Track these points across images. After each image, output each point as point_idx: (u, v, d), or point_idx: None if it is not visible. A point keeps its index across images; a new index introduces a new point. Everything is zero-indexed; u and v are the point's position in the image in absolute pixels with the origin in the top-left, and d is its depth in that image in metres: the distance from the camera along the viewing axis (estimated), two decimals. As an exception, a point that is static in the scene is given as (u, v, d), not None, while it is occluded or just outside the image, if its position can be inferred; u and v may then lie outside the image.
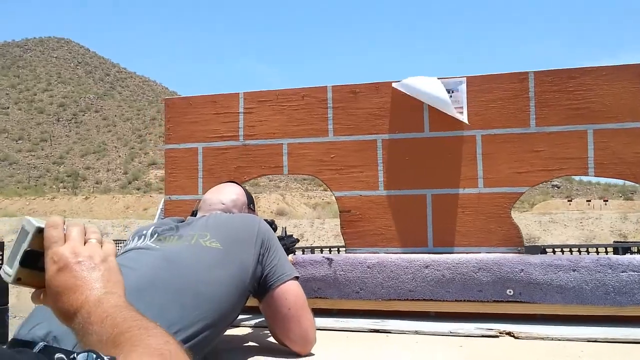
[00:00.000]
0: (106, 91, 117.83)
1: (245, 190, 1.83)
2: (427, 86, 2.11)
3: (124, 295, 0.79)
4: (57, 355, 0.55)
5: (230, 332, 1.92)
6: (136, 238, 1.53)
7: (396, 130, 2.21)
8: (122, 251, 1.51)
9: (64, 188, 69.78)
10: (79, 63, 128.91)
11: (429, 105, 2.16)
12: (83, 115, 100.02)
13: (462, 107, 2.12)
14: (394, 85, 2.19)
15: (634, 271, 1.90)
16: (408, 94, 2.15)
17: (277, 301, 1.49)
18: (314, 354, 1.55)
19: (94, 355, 0.55)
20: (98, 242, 0.83)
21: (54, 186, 70.74)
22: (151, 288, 1.27)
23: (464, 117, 2.09)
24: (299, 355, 1.52)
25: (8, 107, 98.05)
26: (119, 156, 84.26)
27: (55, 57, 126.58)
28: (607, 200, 45.26)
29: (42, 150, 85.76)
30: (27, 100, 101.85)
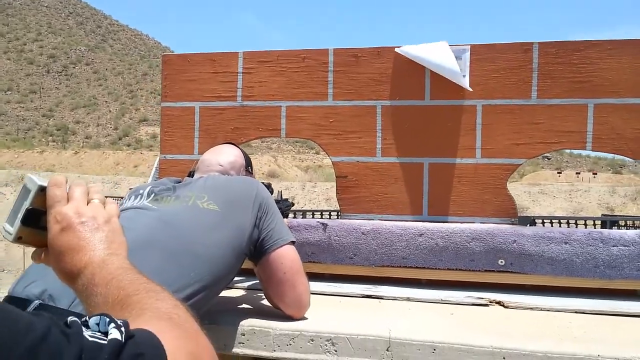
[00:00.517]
0: (97, 44, 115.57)
1: (244, 152, 1.81)
2: (435, 54, 2.07)
3: (127, 257, 0.79)
4: (70, 318, 0.55)
5: (224, 293, 1.94)
6: (132, 197, 1.52)
7: (396, 96, 2.18)
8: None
9: (53, 142, 69.11)
10: (70, 13, 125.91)
11: (431, 72, 2.14)
12: (73, 67, 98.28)
13: (464, 76, 2.10)
14: (397, 50, 2.16)
15: (624, 246, 1.92)
16: (413, 60, 2.12)
17: (273, 265, 1.50)
18: (307, 318, 1.57)
19: (107, 319, 0.55)
20: (101, 203, 0.82)
21: (43, 139, 70.02)
22: (148, 248, 1.26)
23: (466, 85, 2.07)
24: (293, 319, 1.54)
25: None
26: (110, 111, 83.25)
27: (46, 6, 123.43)
28: (596, 174, 45.69)
29: (32, 102, 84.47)
30: (16, 50, 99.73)
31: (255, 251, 1.52)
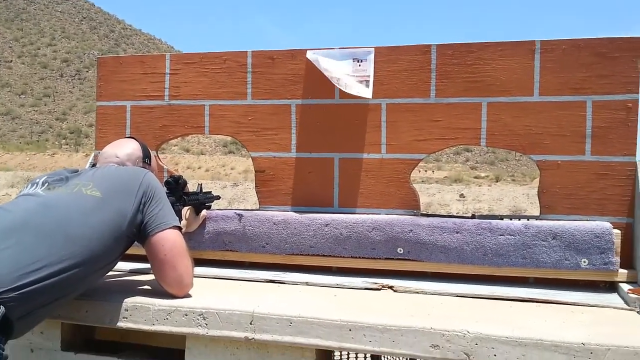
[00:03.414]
0: (111, 48, 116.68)
1: (143, 145, 1.97)
2: (331, 66, 2.22)
3: None
4: None
5: (136, 277, 2.09)
6: (29, 185, 1.68)
7: (309, 96, 2.33)
8: (15, 196, 1.66)
9: (67, 145, 69.88)
10: (84, 18, 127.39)
11: (339, 72, 2.27)
12: (87, 71, 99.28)
13: (369, 76, 2.23)
14: (307, 55, 2.30)
15: (510, 235, 2.04)
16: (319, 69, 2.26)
17: (155, 247, 1.65)
18: (191, 296, 1.71)
19: None
20: None
21: (57, 142, 70.81)
22: (23, 228, 1.42)
23: (368, 92, 2.20)
24: (176, 297, 1.68)
25: (11, 61, 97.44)
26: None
27: (60, 12, 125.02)
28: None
29: (45, 105, 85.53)
30: (30, 55, 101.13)
31: (140, 234, 1.67)
